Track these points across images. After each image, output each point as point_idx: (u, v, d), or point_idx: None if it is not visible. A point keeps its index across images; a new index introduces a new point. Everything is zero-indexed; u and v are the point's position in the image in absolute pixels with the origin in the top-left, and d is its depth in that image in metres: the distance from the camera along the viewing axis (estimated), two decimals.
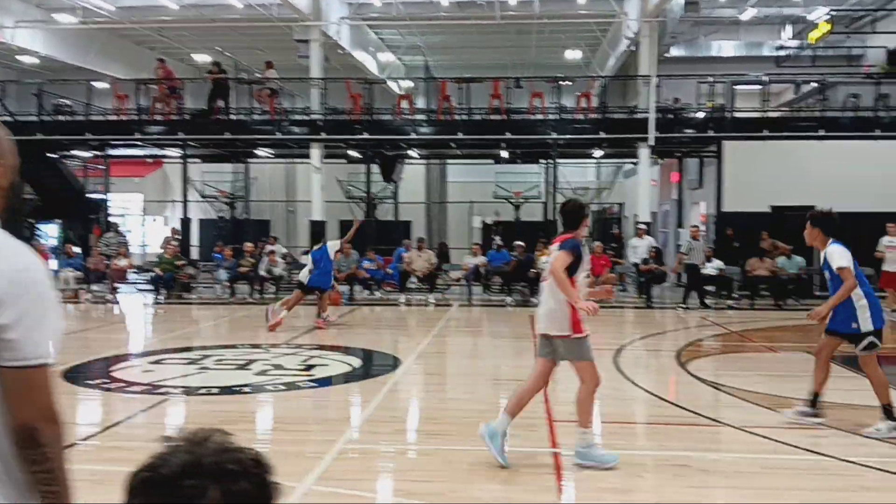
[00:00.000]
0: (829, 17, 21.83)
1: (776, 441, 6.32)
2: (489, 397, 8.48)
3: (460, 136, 21.01)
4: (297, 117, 22.33)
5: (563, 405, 7.96)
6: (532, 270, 18.07)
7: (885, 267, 15.55)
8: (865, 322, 6.52)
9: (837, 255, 6.62)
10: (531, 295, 17.84)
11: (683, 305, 16.94)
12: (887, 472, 5.49)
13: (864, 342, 6.54)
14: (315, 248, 13.93)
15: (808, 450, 6.07)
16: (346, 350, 11.20)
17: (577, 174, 29.18)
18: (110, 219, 23.79)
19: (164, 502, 1.21)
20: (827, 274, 6.81)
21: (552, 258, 5.61)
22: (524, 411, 7.61)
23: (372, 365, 10.68)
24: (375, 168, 23.61)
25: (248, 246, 19.28)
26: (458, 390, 9.25)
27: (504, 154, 24.10)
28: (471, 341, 13.34)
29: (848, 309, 6.54)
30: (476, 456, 5.99)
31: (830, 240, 6.87)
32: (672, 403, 7.97)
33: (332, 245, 14.01)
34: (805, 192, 18.98)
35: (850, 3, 23.01)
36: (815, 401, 6.98)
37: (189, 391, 8.46)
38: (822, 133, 19.54)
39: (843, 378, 9.61)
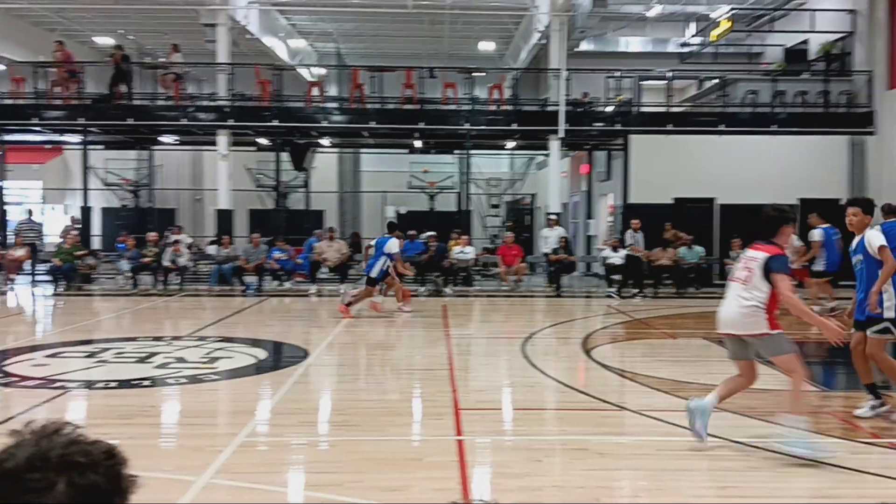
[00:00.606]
0: (730, 15, 22.61)
1: (671, 424, 6.54)
2: (400, 387, 8.49)
3: (373, 124, 20.91)
4: (204, 103, 21.76)
5: (471, 393, 8.06)
6: (446, 260, 18.18)
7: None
8: (890, 310, 6.60)
9: (875, 237, 6.71)
10: (444, 285, 17.94)
11: (628, 294, 17.42)
12: (774, 451, 5.74)
13: (880, 326, 6.62)
14: (384, 235, 14.44)
15: None
16: (254, 342, 11.01)
17: (491, 165, 29.44)
18: (19, 207, 22.74)
19: (9, 496, 1.17)
20: (860, 258, 6.87)
21: (755, 265, 5.65)
22: (430, 401, 7.69)
23: (279, 357, 10.54)
24: (286, 156, 23.24)
25: (152, 235, 18.72)
26: (368, 381, 9.23)
27: (418, 144, 24.10)
28: (382, 331, 13.31)
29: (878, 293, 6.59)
30: (381, 446, 6.00)
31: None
32: (576, 390, 8.16)
33: (395, 241, 14.27)
34: (706, 185, 19.71)
35: (751, 3, 23.89)
36: (875, 392, 6.93)
37: (87, 385, 8.17)
38: (722, 128, 20.27)
39: (721, 362, 10.03)
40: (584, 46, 26.86)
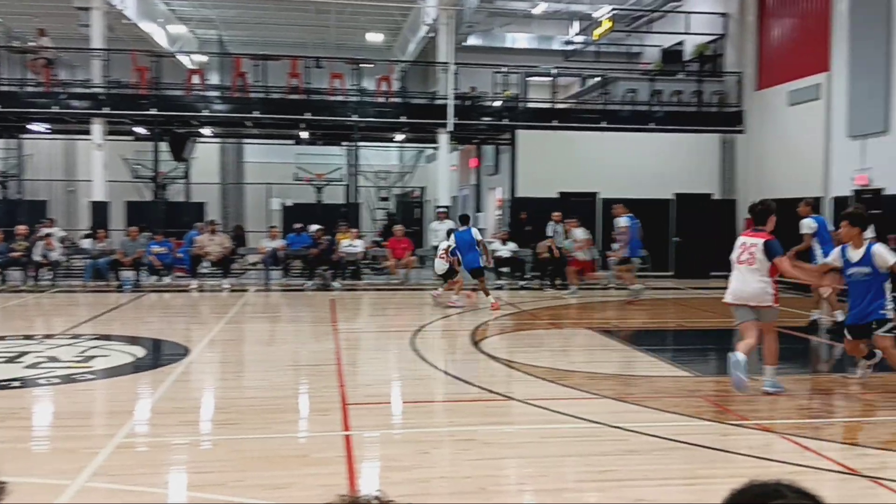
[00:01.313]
0: (611, 15, 23.35)
1: (556, 412, 6.70)
2: (285, 384, 8.32)
3: (257, 114, 20.41)
4: (77, 90, 20.68)
5: (359, 388, 8.00)
6: (335, 254, 17.96)
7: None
8: (890, 311, 7.26)
9: (889, 255, 7.21)
10: (333, 279, 17.75)
11: (553, 286, 17.71)
12: (650, 435, 5.97)
13: (889, 326, 7.24)
14: (461, 229, 14.37)
15: (582, 418, 6.48)
16: (131, 340, 10.55)
17: (380, 157, 29.32)
18: None
19: None
20: (865, 271, 7.25)
21: (756, 249, 7.23)
22: (317, 397, 7.59)
23: (159, 354, 10.14)
24: (165, 146, 22.39)
25: (22, 229, 17.66)
26: (251, 378, 9.00)
27: (304, 135, 23.72)
28: (268, 327, 13.04)
29: (881, 298, 7.22)
30: (265, 444, 5.86)
31: (867, 239, 7.41)
32: (464, 381, 8.22)
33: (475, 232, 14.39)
34: (589, 179, 20.31)
35: (631, 3, 24.74)
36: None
37: None
38: (604, 125, 20.92)
39: (615, 350, 10.40)
40: (472, 41, 27.16)
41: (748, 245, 7.36)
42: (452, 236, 14.50)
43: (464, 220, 14.89)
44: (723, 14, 21.86)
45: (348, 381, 8.17)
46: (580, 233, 16.89)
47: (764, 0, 20.36)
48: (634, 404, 7.02)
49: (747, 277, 7.33)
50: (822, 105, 17.71)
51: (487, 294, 14.15)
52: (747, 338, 7.39)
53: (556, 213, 18.19)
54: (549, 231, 18.05)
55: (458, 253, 14.21)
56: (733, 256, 7.51)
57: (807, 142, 18.19)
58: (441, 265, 14.68)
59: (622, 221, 14.97)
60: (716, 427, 6.40)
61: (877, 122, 15.91)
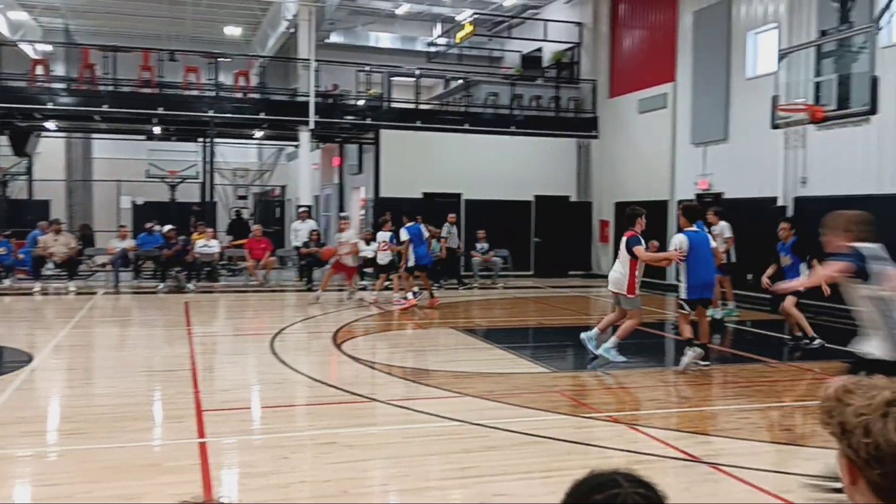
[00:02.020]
0: (472, 19, 23.73)
1: (418, 411, 6.73)
2: (136, 390, 7.92)
3: (106, 108, 19.35)
4: None
5: (215, 394, 7.74)
6: (189, 254, 17.30)
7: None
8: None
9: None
10: (187, 280, 17.09)
11: (457, 286, 17.72)
12: (510, 431, 6.11)
13: None
14: (410, 224, 14.27)
15: (444, 417, 6.54)
16: None
17: (238, 154, 28.53)
18: None
19: None
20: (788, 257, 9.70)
21: (622, 245, 8.75)
22: (171, 404, 7.28)
23: None
24: (6, 140, 20.85)
25: None
26: (100, 385, 8.51)
27: (157, 130, 22.72)
28: (117, 331, 12.39)
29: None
30: (116, 453, 5.56)
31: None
32: (326, 384, 8.11)
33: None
34: (453, 180, 20.56)
35: (492, 9, 25.25)
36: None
37: None
38: (466, 127, 21.25)
39: (477, 349, 10.57)
40: (335, 38, 26.91)
41: (621, 242, 8.91)
42: (404, 230, 14.39)
43: (412, 215, 14.85)
44: (578, 23, 22.71)
45: (204, 386, 7.88)
46: (348, 235, 16.33)
47: (616, 11, 21.32)
48: (495, 401, 7.15)
49: (615, 268, 8.88)
50: (669, 113, 18.73)
51: (431, 292, 14.59)
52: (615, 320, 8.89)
53: (451, 215, 18.44)
54: (444, 232, 18.12)
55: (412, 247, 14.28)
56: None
57: (655, 148, 19.18)
58: (385, 256, 15.15)
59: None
60: (571, 420, 6.62)
61: (717, 131, 16.99)
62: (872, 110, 11.23)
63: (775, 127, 12.89)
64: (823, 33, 12.33)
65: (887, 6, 11.77)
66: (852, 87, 11.41)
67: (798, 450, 5.94)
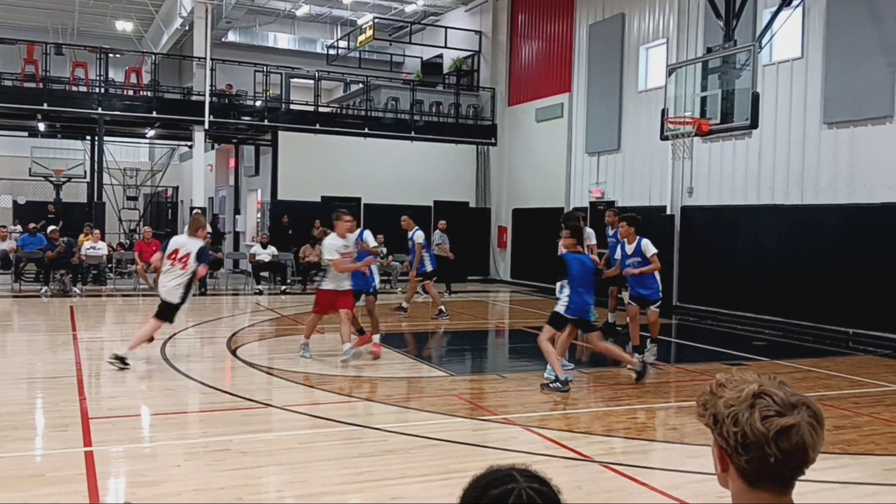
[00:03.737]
0: (373, 23, 23.70)
1: (315, 416, 6.66)
2: (17, 398, 7.51)
3: None
4: None
5: (102, 401, 7.44)
6: (75, 257, 16.54)
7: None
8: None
9: (650, 246, 9.42)
10: (73, 284, 16.34)
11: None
12: (408, 434, 6.12)
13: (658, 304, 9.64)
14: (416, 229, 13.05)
15: (342, 422, 6.50)
16: None
17: (129, 154, 27.51)
18: None
19: None
20: (638, 259, 9.47)
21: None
22: (55, 412, 6.95)
23: None
24: None
25: None
26: None
27: (41, 127, 21.66)
28: None
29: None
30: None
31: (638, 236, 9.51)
32: (219, 390, 7.92)
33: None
34: (352, 184, 20.47)
35: (392, 14, 25.30)
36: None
37: None
38: (367, 131, 21.19)
39: (366, 355, 10.55)
40: (231, 37, 26.37)
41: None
42: (419, 233, 13.58)
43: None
44: (478, 32, 23.03)
45: (90, 393, 7.56)
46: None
47: (515, 21, 21.74)
48: (393, 405, 7.16)
49: None
50: (565, 123, 19.24)
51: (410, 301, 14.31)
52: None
53: (441, 222, 18.19)
54: (437, 239, 17.78)
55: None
56: None
57: (551, 156, 19.65)
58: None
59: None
60: (468, 423, 6.70)
61: (611, 141, 17.56)
62: (754, 125, 11.85)
63: (664, 138, 13.43)
64: (709, 50, 12.93)
65: (767, 26, 12.46)
66: (735, 102, 12.00)
67: (684, 448, 6.20)
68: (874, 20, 11.82)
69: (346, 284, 9.49)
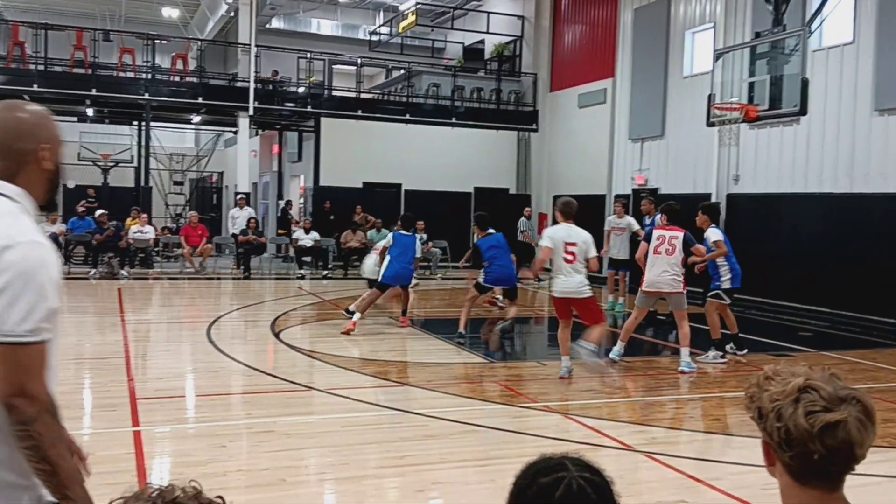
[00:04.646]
0: (415, 9, 23.67)
1: (356, 400, 6.73)
2: (67, 379, 7.70)
3: (36, 88, 18.71)
4: None
5: (149, 382, 7.60)
6: (123, 240, 16.87)
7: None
8: (726, 282, 9.19)
9: (714, 234, 9.04)
10: (120, 267, 16.68)
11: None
12: (448, 420, 6.16)
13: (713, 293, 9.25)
14: (405, 232, 11.19)
15: (382, 406, 6.57)
16: None
17: (175, 139, 27.92)
18: None
19: None
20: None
21: (677, 242, 8.50)
22: (103, 392, 7.13)
23: None
24: None
25: None
26: None
27: (90, 112, 22.08)
28: None
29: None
30: None
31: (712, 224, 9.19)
32: (263, 372, 8.04)
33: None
34: (393, 170, 20.52)
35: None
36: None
37: None
38: (408, 117, 21.21)
39: (417, 339, 10.60)
40: (275, 24, 26.55)
41: (670, 237, 8.53)
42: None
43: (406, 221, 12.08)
44: (520, 17, 22.85)
45: (137, 374, 7.74)
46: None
47: (558, 6, 21.52)
48: (433, 391, 7.20)
49: (663, 269, 8.49)
50: (608, 109, 19.02)
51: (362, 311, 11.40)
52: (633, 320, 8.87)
53: (527, 209, 18.24)
54: (522, 226, 17.90)
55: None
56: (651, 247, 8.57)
57: (593, 142, 19.46)
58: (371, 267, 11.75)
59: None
60: (508, 410, 6.71)
61: (654, 127, 17.33)
62: (802, 111, 11.58)
63: (710, 125, 13.20)
64: (758, 35, 12.66)
65: (818, 10, 12.16)
66: (784, 88, 11.74)
67: (728, 439, 6.14)
68: None
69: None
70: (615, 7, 18.87)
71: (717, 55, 13.23)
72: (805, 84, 11.37)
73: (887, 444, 5.88)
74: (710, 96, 12.90)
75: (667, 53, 17.06)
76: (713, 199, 15.24)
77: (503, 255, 11.04)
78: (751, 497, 4.62)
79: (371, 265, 11.64)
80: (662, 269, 8.48)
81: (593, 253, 7.94)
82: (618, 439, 5.84)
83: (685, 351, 8.45)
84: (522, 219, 18.17)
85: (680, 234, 8.51)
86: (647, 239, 8.82)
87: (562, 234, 7.94)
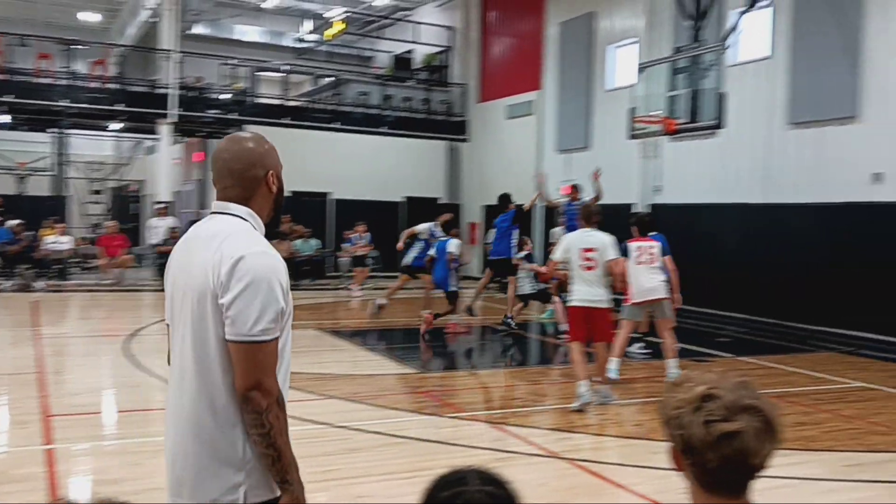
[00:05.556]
0: (344, 17, 23.56)
1: None
2: None
3: None
4: None
5: (64, 398, 7.32)
6: (38, 251, 16.25)
7: None
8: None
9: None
10: (35, 279, 16.05)
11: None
12: (374, 432, 6.10)
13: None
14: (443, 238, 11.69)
15: (308, 420, 6.46)
16: None
17: (94, 147, 27.03)
18: None
19: None
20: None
21: (656, 250, 8.50)
22: (15, 408, 6.84)
23: None
24: None
25: None
26: None
27: (5, 119, 21.22)
28: None
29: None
30: None
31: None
32: None
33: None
34: (321, 179, 20.33)
35: (363, 7, 25.16)
36: None
37: None
38: (337, 125, 21.06)
39: (343, 350, 10.51)
40: (198, 30, 26.03)
41: (647, 248, 8.46)
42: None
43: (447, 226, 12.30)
44: (449, 27, 22.99)
45: (52, 390, 7.44)
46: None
47: (486, 18, 21.74)
48: (360, 403, 7.13)
49: (652, 276, 8.34)
50: (535, 121, 19.28)
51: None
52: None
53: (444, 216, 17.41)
54: (488, 238, 17.46)
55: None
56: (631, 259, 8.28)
57: (522, 153, 19.68)
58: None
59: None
60: (436, 421, 6.70)
61: (580, 139, 17.63)
62: (719, 124, 11.98)
63: (632, 137, 13.53)
64: (678, 50, 13.05)
65: (734, 27, 12.60)
66: (702, 102, 12.13)
67: (649, 444, 6.26)
68: (839, 22, 11.99)
69: None
70: (541, 20, 19.16)
71: (640, 69, 13.57)
72: (722, 98, 11.76)
73: (800, 446, 6.08)
74: (632, 109, 13.22)
75: (591, 67, 17.39)
76: (637, 210, 15.60)
77: (438, 260, 11.54)
78: (671, 500, 4.71)
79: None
80: (651, 276, 8.35)
81: (611, 255, 7.26)
82: (544, 447, 5.89)
83: (674, 362, 8.17)
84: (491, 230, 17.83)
85: (656, 244, 8.57)
86: (625, 253, 8.79)
87: (578, 240, 7.36)
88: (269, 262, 2.12)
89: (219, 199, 2.29)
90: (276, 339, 2.10)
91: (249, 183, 2.28)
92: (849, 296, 11.55)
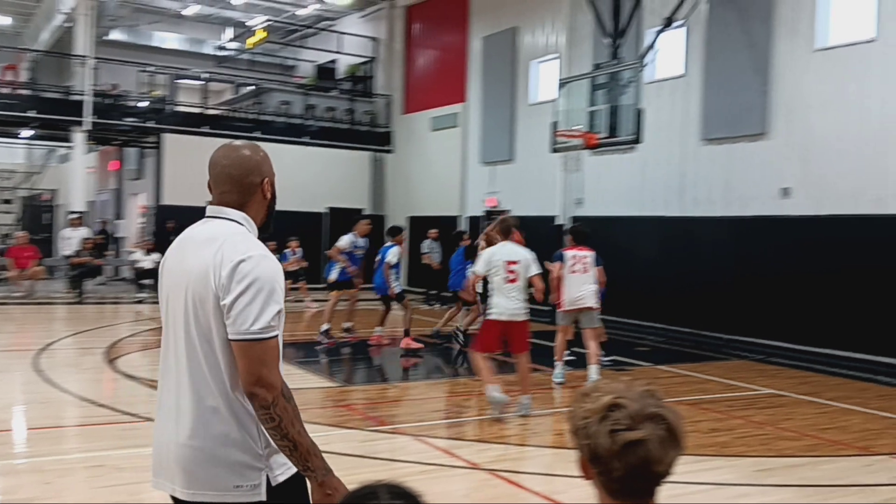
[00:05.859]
0: (266, 26, 23.30)
1: None
2: None
3: None
4: None
5: None
6: None
7: None
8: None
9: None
10: None
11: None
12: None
13: None
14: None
15: None
16: None
17: (3, 154, 26.02)
18: None
19: None
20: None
21: (590, 261, 8.89)
22: None
23: None
24: None
25: None
26: None
27: None
28: None
29: None
30: None
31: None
32: (96, 403, 7.57)
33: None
34: None
35: (285, 16, 24.92)
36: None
37: None
38: (258, 135, 20.73)
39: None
40: (116, 36, 25.38)
41: (581, 257, 8.80)
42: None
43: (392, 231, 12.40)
44: (373, 38, 22.98)
45: None
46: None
47: (410, 30, 21.81)
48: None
49: (586, 284, 8.71)
50: (460, 133, 19.42)
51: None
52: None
53: (432, 231, 17.29)
54: (425, 248, 17.15)
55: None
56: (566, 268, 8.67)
57: (446, 165, 19.79)
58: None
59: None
60: (357, 434, 6.65)
61: (504, 152, 17.84)
62: (637, 139, 12.30)
63: (554, 151, 13.76)
64: (598, 67, 13.34)
65: (651, 46, 12.97)
66: (621, 118, 12.43)
67: (569, 453, 6.35)
68: (749, 43, 12.50)
69: None
70: (465, 34, 19.34)
71: (561, 84, 13.83)
72: (640, 114, 12.08)
73: (713, 452, 6.27)
74: (554, 123, 13.44)
75: (514, 81, 17.64)
76: (559, 222, 15.86)
77: (378, 267, 11.98)
78: None
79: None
80: (582, 285, 8.71)
81: (534, 270, 7.45)
82: (466, 458, 5.91)
83: (595, 368, 8.53)
84: (427, 241, 17.92)
85: (590, 254, 8.86)
86: (560, 259, 8.90)
87: (501, 253, 7.47)
88: (268, 264, 2.23)
89: (215, 203, 2.43)
90: (277, 335, 2.19)
91: (246, 189, 2.43)
92: (760, 306, 12.00)
